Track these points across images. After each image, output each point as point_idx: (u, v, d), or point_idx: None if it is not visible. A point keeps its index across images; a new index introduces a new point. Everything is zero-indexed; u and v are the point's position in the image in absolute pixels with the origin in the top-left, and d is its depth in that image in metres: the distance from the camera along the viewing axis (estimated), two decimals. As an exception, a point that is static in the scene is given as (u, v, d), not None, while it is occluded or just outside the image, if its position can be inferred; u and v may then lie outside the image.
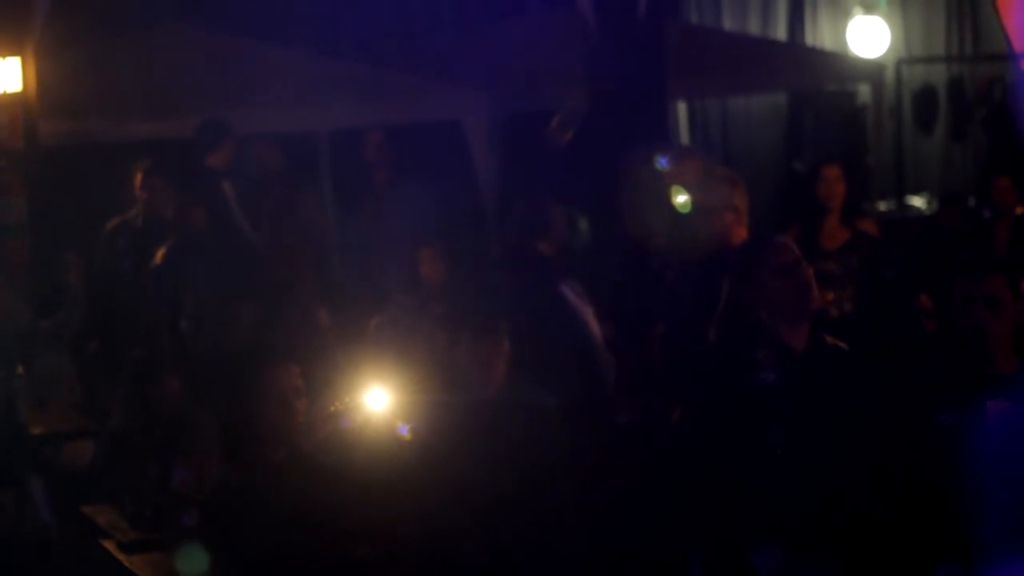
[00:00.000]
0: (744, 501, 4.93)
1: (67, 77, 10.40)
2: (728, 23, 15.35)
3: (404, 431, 5.35)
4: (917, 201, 14.64)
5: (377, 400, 5.37)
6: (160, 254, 9.01)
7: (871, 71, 14.03)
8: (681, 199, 6.79)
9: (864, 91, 14.54)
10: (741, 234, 6.64)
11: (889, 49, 15.37)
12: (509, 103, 11.70)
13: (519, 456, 5.53)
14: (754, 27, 15.45)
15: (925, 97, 15.77)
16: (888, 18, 15.50)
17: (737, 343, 5.19)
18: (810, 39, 15.56)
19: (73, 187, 10.25)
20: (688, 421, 6.10)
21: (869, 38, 15.30)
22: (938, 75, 15.81)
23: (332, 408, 5.34)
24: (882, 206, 13.91)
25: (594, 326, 7.30)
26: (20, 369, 8.66)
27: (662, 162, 7.15)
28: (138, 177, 9.61)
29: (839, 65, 14.34)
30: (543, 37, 12.08)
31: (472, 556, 5.45)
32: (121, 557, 5.95)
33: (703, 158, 7.81)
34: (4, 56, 9.66)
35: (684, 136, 14.33)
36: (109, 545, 6.08)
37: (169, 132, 10.50)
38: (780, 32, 15.60)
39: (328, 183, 11.64)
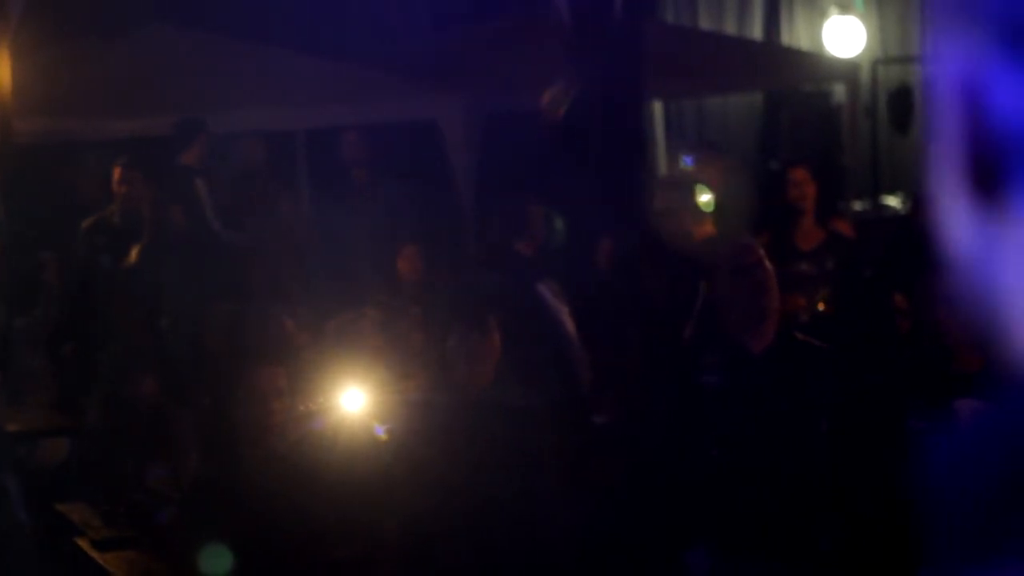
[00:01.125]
0: (681, 502, 4.94)
1: (43, 75, 10.36)
2: (704, 23, 15.37)
3: (380, 432, 5.35)
4: (892, 201, 14.66)
5: (353, 401, 5.37)
6: (135, 252, 8.98)
7: (847, 71, 14.05)
8: (705, 198, 6.73)
9: (840, 91, 14.56)
10: (705, 233, 6.64)
11: (865, 49, 15.39)
12: (486, 103, 11.69)
13: (500, 456, 5.53)
14: (730, 27, 15.47)
15: (901, 97, 15.80)
16: (864, 18, 15.52)
17: (704, 343, 5.21)
18: (786, 39, 15.58)
19: (49, 185, 10.22)
20: (650, 421, 6.12)
21: (845, 38, 15.32)
22: (914, 75, 15.84)
23: (306, 408, 5.34)
24: (857, 206, 13.92)
25: (570, 326, 7.32)
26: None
27: (687, 160, 7.13)
28: (117, 171, 9.58)
29: (815, 65, 14.36)
30: (520, 37, 12.07)
31: (451, 557, 5.45)
32: (95, 554, 5.94)
33: (725, 156, 7.81)
34: (-21, 54, 9.64)
35: (660, 136, 14.32)
36: (83, 542, 6.07)
37: (145, 130, 10.47)
38: (756, 32, 15.62)
39: (305, 182, 11.63)
